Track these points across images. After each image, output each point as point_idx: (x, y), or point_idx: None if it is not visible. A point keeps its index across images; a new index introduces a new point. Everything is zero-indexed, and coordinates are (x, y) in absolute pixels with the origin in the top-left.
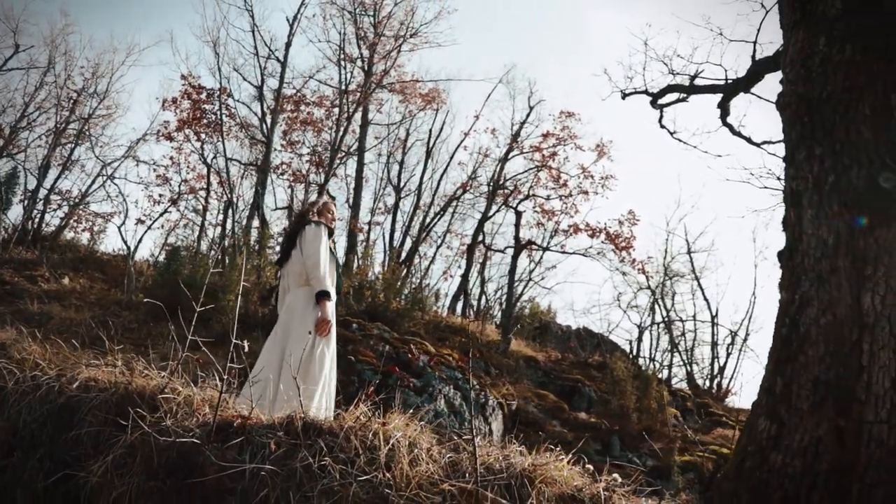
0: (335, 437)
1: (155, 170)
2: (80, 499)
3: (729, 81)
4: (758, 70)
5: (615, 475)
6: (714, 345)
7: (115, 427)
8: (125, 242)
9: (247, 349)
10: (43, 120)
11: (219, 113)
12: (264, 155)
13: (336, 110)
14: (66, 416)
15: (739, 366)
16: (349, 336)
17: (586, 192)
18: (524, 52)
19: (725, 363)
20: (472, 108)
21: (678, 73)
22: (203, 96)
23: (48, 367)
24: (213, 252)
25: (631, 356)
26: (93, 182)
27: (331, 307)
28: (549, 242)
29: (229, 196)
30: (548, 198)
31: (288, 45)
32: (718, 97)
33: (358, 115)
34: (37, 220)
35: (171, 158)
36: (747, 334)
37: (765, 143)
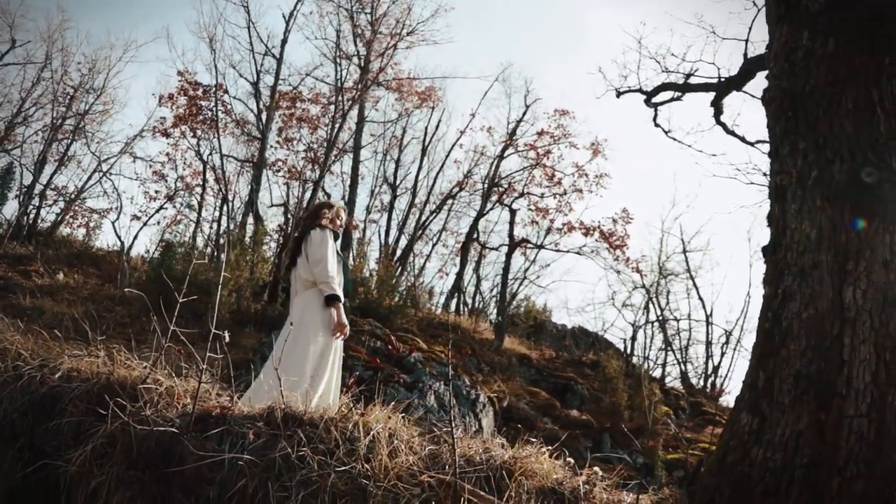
0: (315, 428)
1: (151, 166)
2: (59, 488)
3: (722, 80)
4: (750, 68)
5: (596, 468)
6: (708, 344)
7: (96, 417)
8: (119, 238)
9: (228, 340)
10: (39, 115)
11: (215, 109)
12: (259, 151)
13: (332, 107)
14: (47, 406)
15: (734, 365)
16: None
17: (580, 191)
18: (523, 52)
19: (720, 362)
20: (468, 106)
21: (671, 71)
22: (199, 93)
23: (30, 357)
24: (208, 248)
25: (625, 355)
26: (89, 178)
27: (342, 310)
28: (543, 241)
29: (224, 192)
30: (542, 196)
31: (284, 41)
32: (712, 96)
33: (354, 113)
34: (32, 215)
35: (168, 155)
36: (742, 333)
37: (758, 142)
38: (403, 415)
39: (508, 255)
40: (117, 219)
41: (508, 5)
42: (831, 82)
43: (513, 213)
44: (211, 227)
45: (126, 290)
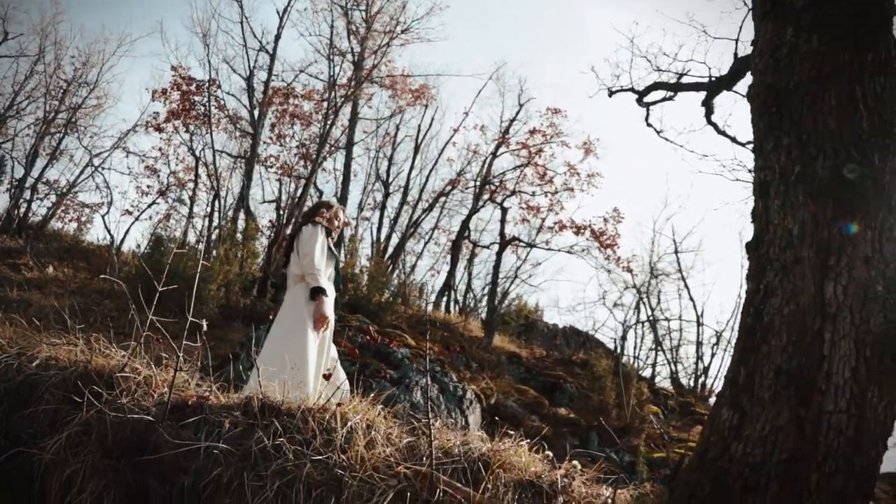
0: (292, 418)
1: (143, 161)
2: (33, 476)
3: (712, 79)
4: (740, 68)
5: (575, 462)
6: (699, 344)
7: (72, 405)
8: (109, 232)
9: (205, 328)
10: (32, 109)
11: (208, 105)
12: (251, 146)
13: (325, 104)
14: (23, 393)
15: (724, 366)
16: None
17: (572, 190)
18: (521, 51)
19: (710, 363)
20: (463, 104)
21: (663, 70)
22: (193, 88)
23: (8, 346)
24: (200, 244)
25: (615, 354)
26: (81, 172)
27: (327, 303)
28: (534, 239)
29: (216, 188)
30: (533, 194)
31: (277, 37)
32: (703, 96)
33: (347, 110)
34: (23, 209)
35: (160, 150)
36: (732, 334)
37: (749, 142)
38: (383, 407)
39: (499, 253)
40: (107, 213)
41: (507, 4)
42: (815, 78)
43: (504, 211)
44: (203, 223)
45: (103, 276)
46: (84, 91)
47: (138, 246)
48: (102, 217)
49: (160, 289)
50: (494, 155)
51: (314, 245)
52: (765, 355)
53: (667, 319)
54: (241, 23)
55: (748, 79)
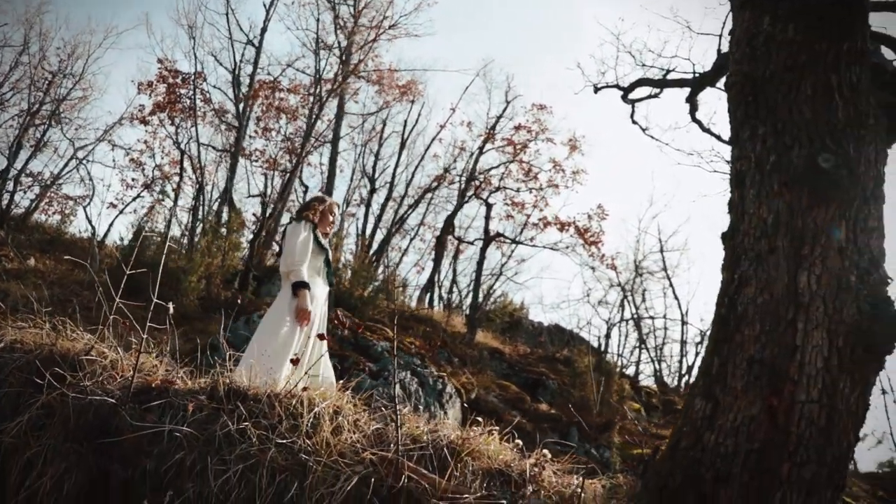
0: (258, 403)
1: (128, 154)
2: None
3: (696, 75)
4: (723, 63)
5: (545, 451)
6: (683, 343)
7: (35, 388)
8: (90, 223)
9: (172, 311)
10: (16, 100)
11: (193, 97)
12: (236, 139)
13: (311, 98)
14: None
15: None
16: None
17: (556, 186)
18: (521, 51)
19: (694, 361)
20: (450, 100)
21: (648, 66)
22: (178, 80)
23: None
24: (184, 238)
25: (599, 351)
26: (65, 165)
27: (317, 296)
28: (518, 235)
29: (200, 181)
30: (518, 190)
31: (263, 30)
32: (688, 93)
33: (334, 105)
34: (6, 200)
35: (146, 143)
36: None
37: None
38: (353, 395)
39: (483, 249)
40: (88, 204)
41: (504, 4)
42: (791, 67)
43: (489, 207)
44: (188, 216)
45: (68, 257)
46: (69, 83)
47: (121, 239)
48: (84, 209)
49: (128, 272)
50: (481, 151)
51: (295, 242)
52: (738, 345)
53: (651, 318)
54: (227, 14)
55: None
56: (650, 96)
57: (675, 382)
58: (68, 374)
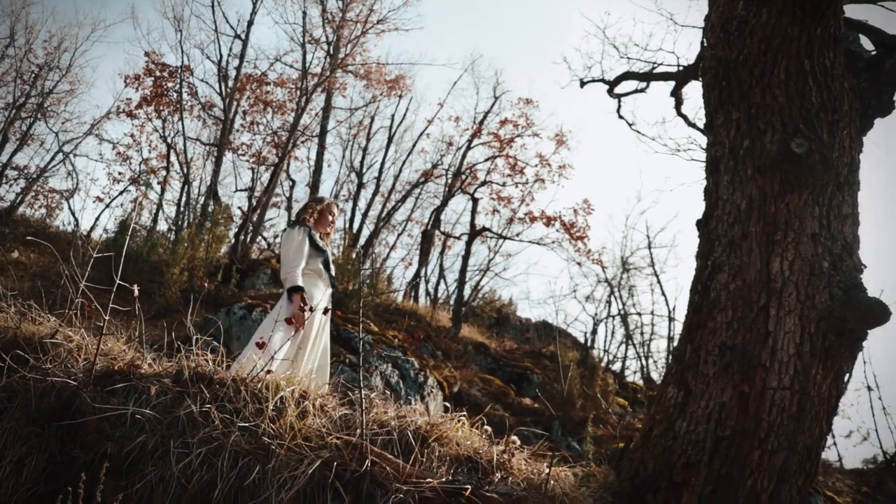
0: (224, 387)
1: (115, 147)
2: None
3: (681, 68)
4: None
5: (514, 437)
6: (670, 339)
7: None
8: (73, 216)
9: (136, 293)
10: (2, 94)
11: (179, 91)
12: (221, 131)
13: (298, 92)
14: None
15: None
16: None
17: (542, 180)
18: (509, 46)
19: None
20: (437, 95)
21: (633, 59)
22: (165, 74)
23: None
24: (170, 231)
25: (585, 346)
26: (52, 159)
27: (316, 297)
28: (504, 230)
29: (186, 175)
30: (504, 184)
31: (250, 23)
32: (673, 86)
33: (322, 99)
34: None
35: (133, 136)
36: None
37: None
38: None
39: (468, 244)
40: (71, 196)
41: (500, 3)
42: (764, 51)
43: (475, 201)
44: (175, 209)
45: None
46: (56, 76)
47: (106, 231)
48: (66, 200)
49: (94, 255)
50: (468, 146)
51: (289, 248)
52: (710, 331)
53: (638, 314)
54: (213, 7)
55: None
56: (636, 91)
57: (662, 378)
58: (31, 357)
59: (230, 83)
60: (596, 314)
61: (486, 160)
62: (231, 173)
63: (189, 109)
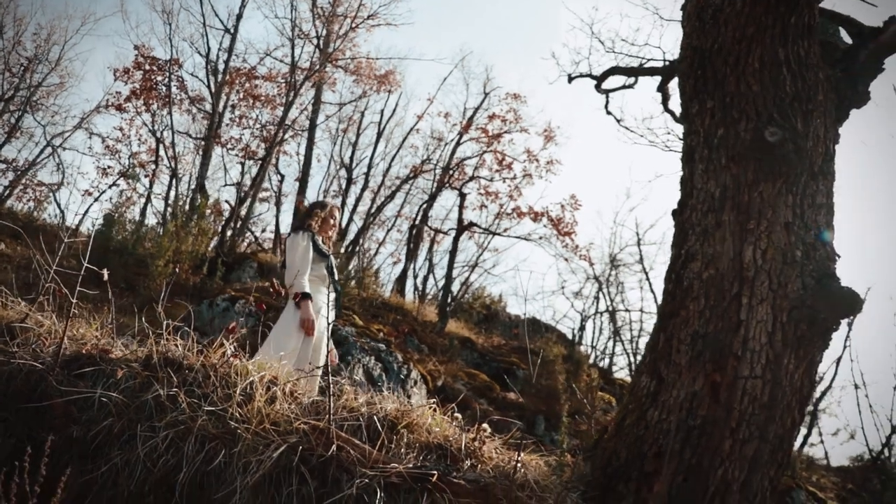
0: (193, 372)
1: (104, 141)
2: None
3: (667, 63)
4: None
5: (485, 425)
6: None
7: None
8: (60, 208)
9: (106, 277)
10: None
11: (168, 84)
12: (209, 125)
13: (286, 86)
14: None
15: None
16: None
17: (530, 175)
18: (498, 42)
19: None
20: (427, 90)
21: (619, 53)
22: (155, 67)
23: None
24: (159, 225)
25: (572, 341)
26: (41, 152)
27: (321, 303)
28: (492, 225)
29: (174, 168)
30: (491, 180)
31: (239, 16)
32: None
33: (311, 94)
34: None
35: (122, 130)
36: None
37: None
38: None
39: (456, 238)
40: (58, 189)
41: (498, 2)
42: (739, 40)
43: (462, 196)
44: (164, 202)
45: (68, 262)
46: (45, 69)
47: (93, 224)
48: (52, 193)
49: (66, 240)
50: (458, 142)
51: (294, 255)
52: (683, 320)
53: (626, 310)
54: (202, 1)
55: None
56: (624, 86)
57: (636, 368)
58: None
59: (219, 77)
60: (584, 310)
61: (475, 156)
62: (220, 168)
63: (178, 103)
